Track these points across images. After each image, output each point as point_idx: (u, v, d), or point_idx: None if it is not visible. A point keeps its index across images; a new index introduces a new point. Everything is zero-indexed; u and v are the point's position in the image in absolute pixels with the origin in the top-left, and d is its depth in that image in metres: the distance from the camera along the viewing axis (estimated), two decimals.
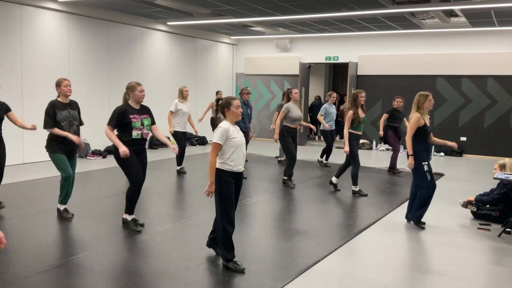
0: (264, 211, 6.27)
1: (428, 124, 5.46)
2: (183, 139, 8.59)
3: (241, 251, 4.60)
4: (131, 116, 4.98)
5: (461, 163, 11.10)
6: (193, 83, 13.76)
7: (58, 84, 5.42)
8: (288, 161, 7.77)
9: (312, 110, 15.35)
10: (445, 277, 4.11)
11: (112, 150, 5.19)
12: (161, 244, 4.82)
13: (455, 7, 9.19)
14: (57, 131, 5.34)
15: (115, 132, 5.05)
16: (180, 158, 8.64)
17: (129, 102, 5.09)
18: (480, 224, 5.79)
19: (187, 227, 5.45)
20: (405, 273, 4.27)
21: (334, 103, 10.16)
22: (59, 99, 5.44)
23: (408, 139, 5.40)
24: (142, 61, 12.03)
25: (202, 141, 13.22)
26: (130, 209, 5.25)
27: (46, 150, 5.45)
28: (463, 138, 12.30)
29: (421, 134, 5.40)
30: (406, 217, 5.80)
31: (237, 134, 4.08)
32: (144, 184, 5.28)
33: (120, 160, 5.00)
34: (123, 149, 4.86)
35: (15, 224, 5.39)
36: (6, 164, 5.94)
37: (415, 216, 5.59)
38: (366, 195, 7.17)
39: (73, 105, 5.58)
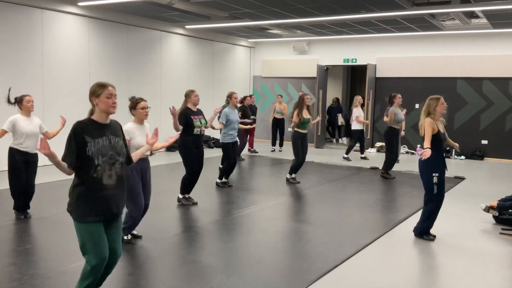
0: (280, 215, 6.24)
1: (442, 131, 5.03)
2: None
3: (257, 255, 4.59)
4: (192, 117, 6.21)
5: (482, 166, 10.91)
6: (210, 86, 13.81)
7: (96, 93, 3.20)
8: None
9: (330, 113, 15.28)
10: (467, 283, 4.03)
11: (178, 147, 6.43)
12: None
13: (476, 8, 9.04)
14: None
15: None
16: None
17: (188, 106, 6.29)
18: (503, 229, 5.66)
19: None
20: (425, 278, 4.20)
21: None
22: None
23: (427, 144, 4.87)
24: (161, 64, 12.12)
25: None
26: (183, 190, 6.53)
27: (68, 211, 3.21)
28: (484, 142, 12.08)
29: (434, 141, 4.94)
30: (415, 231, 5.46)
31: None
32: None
33: (182, 153, 6.35)
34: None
35: (35, 225, 5.47)
36: None
37: (419, 230, 5.23)
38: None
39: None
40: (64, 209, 5.86)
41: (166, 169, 9.53)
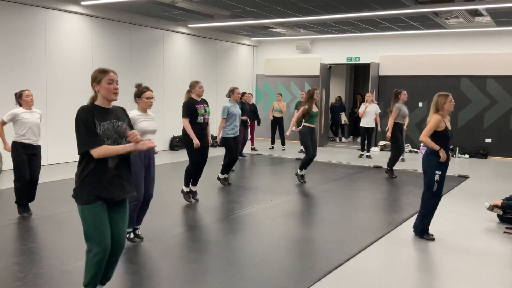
0: (283, 213, 6.23)
1: (449, 127, 5.01)
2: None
3: (260, 254, 4.58)
4: (197, 106, 6.25)
5: (486, 165, 10.87)
6: (213, 85, 13.80)
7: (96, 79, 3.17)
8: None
9: (333, 111, 15.27)
10: (471, 282, 4.01)
11: (183, 137, 6.43)
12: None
13: (480, 6, 9.00)
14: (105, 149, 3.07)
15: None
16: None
17: (192, 96, 6.31)
18: (507, 228, 5.64)
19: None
20: (428, 277, 4.18)
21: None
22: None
23: (425, 138, 4.91)
24: (164, 63, 12.12)
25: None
26: (187, 182, 6.55)
27: (72, 195, 3.15)
28: (488, 140, 12.04)
29: (440, 138, 4.92)
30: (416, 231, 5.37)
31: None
32: (159, 189, 5.30)
33: (187, 144, 6.31)
34: (196, 142, 6.14)
35: (38, 224, 5.47)
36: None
37: (419, 229, 5.17)
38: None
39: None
40: (67, 208, 5.90)
41: (169, 168, 9.54)
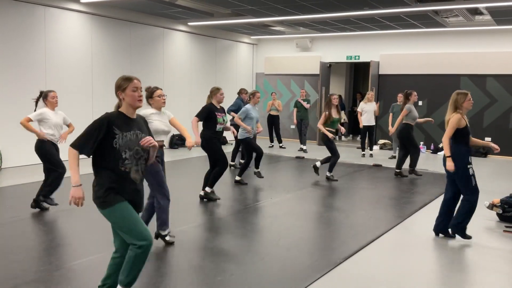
0: (283, 212, 6.23)
1: (468, 124, 5.03)
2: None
3: (261, 252, 4.58)
4: (216, 113, 6.28)
5: (486, 164, 10.88)
6: (213, 83, 13.79)
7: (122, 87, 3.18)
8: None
9: None
10: (470, 280, 4.02)
11: (205, 143, 6.32)
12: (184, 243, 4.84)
13: (480, 5, 9.01)
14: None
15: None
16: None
17: (213, 102, 6.32)
18: (506, 226, 5.65)
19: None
20: (428, 275, 4.19)
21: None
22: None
23: (446, 140, 4.94)
24: (163, 61, 12.12)
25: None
26: (212, 183, 6.53)
27: (97, 204, 3.07)
28: (487, 139, 12.05)
29: (463, 135, 4.96)
30: (435, 230, 5.26)
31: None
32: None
33: (208, 147, 6.33)
34: (198, 140, 6.01)
35: (38, 222, 5.47)
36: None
37: (460, 228, 5.08)
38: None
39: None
40: (68, 206, 5.89)
41: (170, 166, 9.53)
